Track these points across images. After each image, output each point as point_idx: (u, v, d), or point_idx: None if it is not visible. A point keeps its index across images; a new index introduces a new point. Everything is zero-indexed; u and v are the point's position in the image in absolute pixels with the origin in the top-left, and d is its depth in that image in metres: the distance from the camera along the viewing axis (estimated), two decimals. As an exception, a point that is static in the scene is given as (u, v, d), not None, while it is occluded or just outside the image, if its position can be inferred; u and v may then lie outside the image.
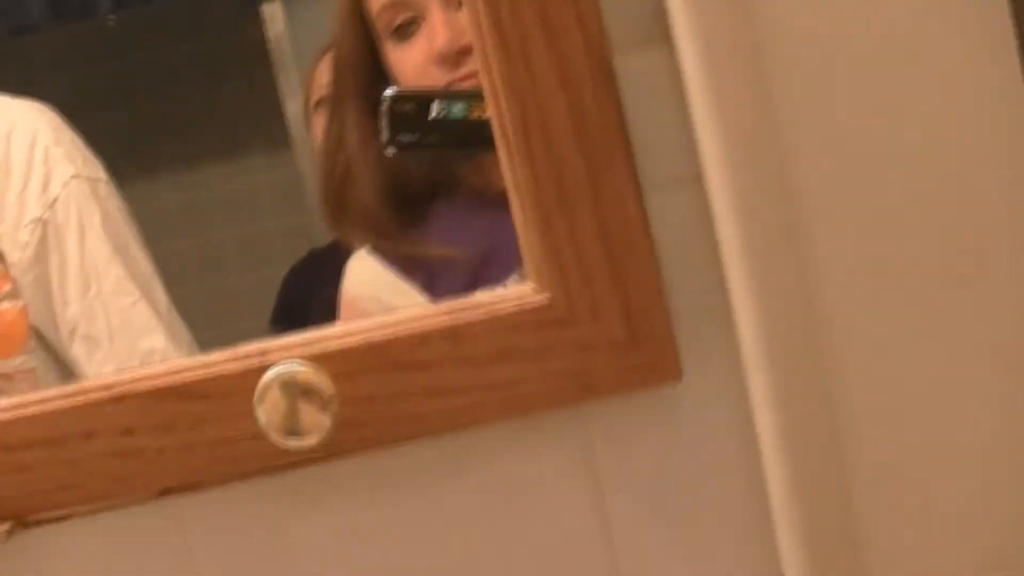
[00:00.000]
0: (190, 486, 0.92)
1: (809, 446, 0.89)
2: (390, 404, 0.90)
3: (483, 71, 0.88)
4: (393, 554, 0.94)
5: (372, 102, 1.25)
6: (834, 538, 0.90)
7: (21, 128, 1.34)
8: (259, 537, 0.94)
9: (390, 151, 1.21)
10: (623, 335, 0.89)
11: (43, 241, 1.31)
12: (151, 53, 1.58)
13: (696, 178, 0.89)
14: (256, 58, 1.56)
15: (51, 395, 0.92)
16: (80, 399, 0.91)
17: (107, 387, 0.91)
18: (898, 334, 0.89)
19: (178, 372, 0.91)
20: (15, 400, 0.92)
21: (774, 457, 0.89)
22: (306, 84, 1.46)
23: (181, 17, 1.59)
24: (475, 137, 1.08)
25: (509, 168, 0.89)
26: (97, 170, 1.36)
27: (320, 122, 1.41)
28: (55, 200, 1.32)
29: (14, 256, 1.30)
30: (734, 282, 0.87)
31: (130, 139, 1.52)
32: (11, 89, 1.38)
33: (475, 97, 1.14)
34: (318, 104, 1.43)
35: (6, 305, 1.28)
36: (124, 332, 1.30)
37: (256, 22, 1.54)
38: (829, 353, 0.88)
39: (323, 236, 1.50)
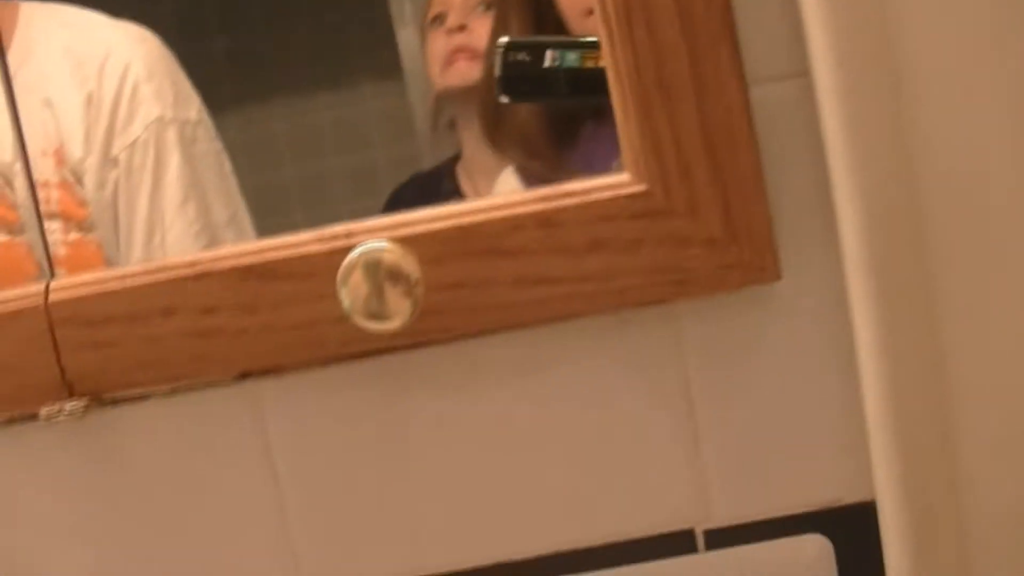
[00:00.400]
0: (270, 369, 0.90)
1: (909, 357, 0.85)
2: (477, 291, 0.87)
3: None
4: (475, 447, 0.91)
5: (536, 13, 1.24)
6: (930, 455, 0.86)
7: (116, 58, 1.32)
8: (337, 424, 0.92)
9: (504, 100, 1.19)
10: (720, 231, 0.86)
11: (118, 182, 1.30)
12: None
13: (802, 72, 0.86)
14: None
15: (133, 271, 0.90)
16: (162, 275, 0.89)
17: (190, 264, 0.89)
18: (1006, 237, 0.85)
19: (262, 251, 0.89)
20: (97, 275, 0.90)
21: (872, 367, 0.85)
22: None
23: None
24: (589, 86, 1.06)
25: (610, 54, 0.87)
26: (188, 110, 1.34)
27: (435, 40, 1.40)
28: (135, 141, 1.30)
29: (95, 194, 1.28)
30: (837, 182, 0.84)
31: (239, 65, 1.50)
32: (118, 10, 1.36)
33: (589, 46, 1.12)
34: (434, 20, 1.42)
35: (90, 236, 1.27)
36: None
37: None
38: (933, 256, 0.85)
39: (431, 166, 1.49)
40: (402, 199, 1.39)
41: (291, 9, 1.56)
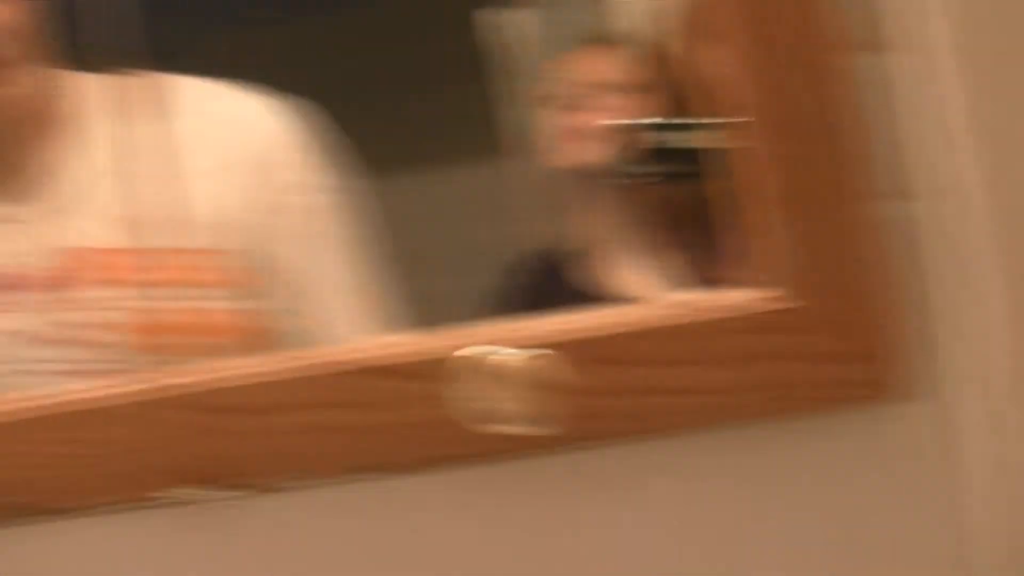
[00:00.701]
0: (387, 466, 0.90)
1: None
2: (597, 400, 0.87)
3: (736, 66, 0.85)
4: (577, 556, 0.91)
5: (676, 97, 1.24)
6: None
7: (259, 126, 1.34)
8: (450, 525, 0.92)
9: (614, 182, 1.19)
10: (853, 347, 0.85)
11: (279, 248, 1.31)
12: (369, 55, 1.58)
13: (943, 190, 0.85)
14: (473, 65, 1.54)
15: (253, 364, 0.91)
16: (283, 370, 0.90)
17: (309, 360, 0.90)
18: None
19: (386, 349, 0.89)
20: (219, 364, 0.91)
21: (984, 500, 0.84)
22: (546, 77, 1.44)
23: (403, 20, 1.59)
24: (700, 168, 1.05)
25: (741, 162, 0.86)
26: (336, 178, 1.36)
27: (558, 118, 1.39)
28: (293, 207, 1.32)
29: (254, 260, 1.29)
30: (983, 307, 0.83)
31: (344, 141, 1.51)
32: (245, 82, 1.38)
33: (700, 127, 1.12)
34: (558, 98, 1.41)
35: (219, 304, 1.28)
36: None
37: (476, 28, 1.53)
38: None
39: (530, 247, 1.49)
40: (518, 279, 1.39)
41: (395, 85, 1.57)
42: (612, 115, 1.33)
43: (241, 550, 0.94)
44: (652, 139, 1.17)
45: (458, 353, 0.87)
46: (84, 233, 1.29)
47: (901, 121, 0.86)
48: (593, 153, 1.35)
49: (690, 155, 1.13)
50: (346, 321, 1.32)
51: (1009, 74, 0.82)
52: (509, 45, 1.51)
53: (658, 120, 1.20)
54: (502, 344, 0.87)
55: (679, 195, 1.26)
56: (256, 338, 1.26)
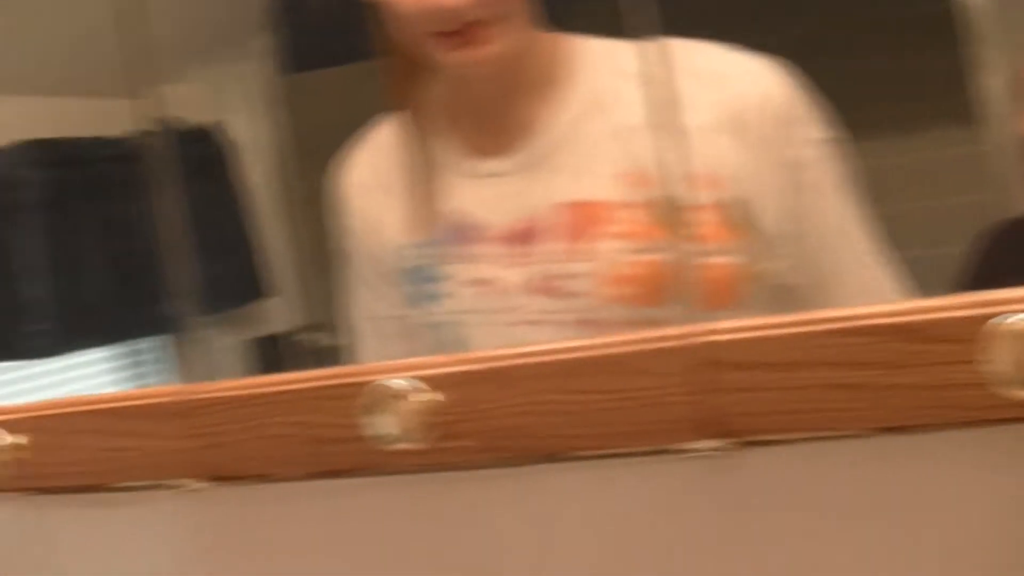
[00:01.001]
0: (909, 427, 0.92)
1: None
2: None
3: None
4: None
5: None
6: None
7: (759, 83, 1.33)
8: (975, 485, 0.93)
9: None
10: None
11: (764, 202, 1.32)
12: (843, 17, 1.59)
13: None
14: (946, 29, 1.55)
15: (782, 321, 0.94)
16: (810, 328, 0.93)
17: (837, 320, 0.93)
18: None
19: (905, 313, 0.92)
20: (747, 322, 0.95)
21: None
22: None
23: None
24: None
25: None
26: (827, 133, 1.36)
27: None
28: (800, 161, 1.32)
29: (737, 214, 1.31)
30: None
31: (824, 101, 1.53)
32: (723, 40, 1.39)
33: None
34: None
35: (719, 258, 1.30)
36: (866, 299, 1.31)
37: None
38: None
39: (1002, 214, 1.48)
40: (995, 247, 1.39)
41: (864, 50, 1.58)
42: None
43: (766, 505, 0.98)
44: None
45: (994, 319, 0.88)
46: (582, 188, 1.33)
47: None
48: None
49: None
50: (861, 277, 1.34)
51: None
52: (987, 10, 1.51)
53: None
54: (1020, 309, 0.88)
55: None
56: (755, 293, 1.29)
